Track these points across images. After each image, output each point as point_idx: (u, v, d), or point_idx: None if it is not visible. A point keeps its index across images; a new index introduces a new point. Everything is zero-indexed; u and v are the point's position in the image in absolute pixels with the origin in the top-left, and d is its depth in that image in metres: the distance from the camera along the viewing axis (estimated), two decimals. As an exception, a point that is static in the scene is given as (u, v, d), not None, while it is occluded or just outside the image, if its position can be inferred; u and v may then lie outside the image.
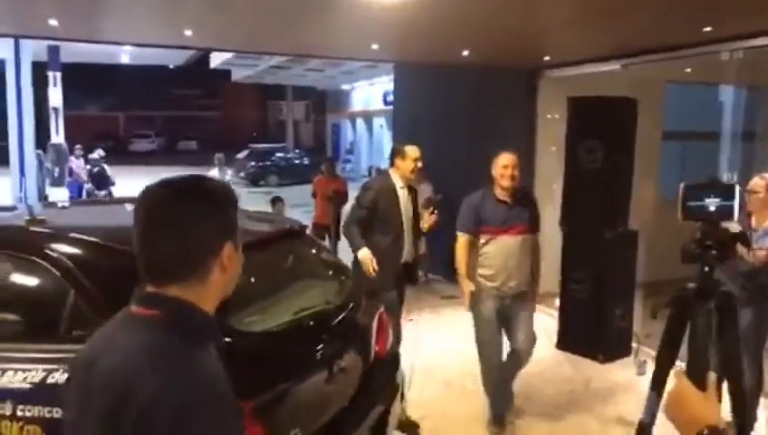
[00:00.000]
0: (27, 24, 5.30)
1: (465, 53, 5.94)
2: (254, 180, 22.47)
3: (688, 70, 7.14)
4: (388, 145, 14.82)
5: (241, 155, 24.22)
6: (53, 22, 4.77)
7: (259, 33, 5.28)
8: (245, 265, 2.91)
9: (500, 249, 3.84)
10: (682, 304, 1.75)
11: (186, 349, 1.08)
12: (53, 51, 12.07)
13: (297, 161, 24.09)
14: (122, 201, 4.82)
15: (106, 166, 12.44)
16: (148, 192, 1.14)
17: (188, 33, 5.02)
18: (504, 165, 3.81)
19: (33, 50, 11.62)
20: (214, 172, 10.32)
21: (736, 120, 8.66)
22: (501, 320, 3.92)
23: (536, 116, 7.08)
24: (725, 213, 1.82)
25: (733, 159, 7.55)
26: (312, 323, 2.73)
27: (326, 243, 7.61)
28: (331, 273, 3.39)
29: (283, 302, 2.81)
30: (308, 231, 3.72)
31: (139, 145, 38.45)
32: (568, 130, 5.68)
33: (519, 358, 3.94)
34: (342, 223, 7.15)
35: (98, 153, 12.59)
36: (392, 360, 3.35)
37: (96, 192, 11.98)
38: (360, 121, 27.23)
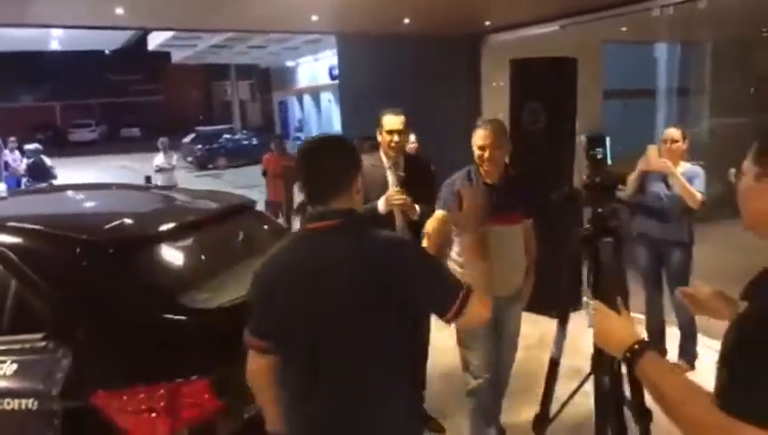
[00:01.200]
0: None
1: (406, 20, 5.93)
2: (203, 164, 22.05)
3: (624, 29, 7.31)
4: (337, 120, 14.74)
5: (187, 139, 23.65)
6: (-28, 5, 4.54)
7: (194, 9, 5.13)
8: (196, 243, 2.88)
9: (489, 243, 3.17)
10: (581, 243, 1.97)
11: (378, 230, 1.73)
12: (-23, 39, 11.46)
13: (245, 142, 23.69)
14: (63, 189, 4.68)
15: (45, 157, 11.97)
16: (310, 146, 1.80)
17: (120, 11, 4.84)
18: (479, 145, 2.95)
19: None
20: (159, 157, 10.03)
21: (671, 77, 8.95)
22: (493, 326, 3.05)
23: (480, 82, 7.15)
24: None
25: (669, 113, 7.82)
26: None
27: (280, 220, 7.59)
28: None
29: (236, 278, 2.79)
30: (261, 209, 3.68)
31: (78, 135, 37.09)
32: (511, 93, 5.75)
33: (501, 379, 3.30)
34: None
35: (35, 145, 12.08)
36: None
37: (36, 185, 11.53)
38: (307, 98, 26.94)
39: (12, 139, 12.82)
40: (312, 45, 19.08)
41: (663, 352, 4.25)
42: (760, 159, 1.29)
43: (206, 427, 2.22)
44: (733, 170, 1.38)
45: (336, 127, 17.52)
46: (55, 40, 15.71)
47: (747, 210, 1.34)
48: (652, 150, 4.08)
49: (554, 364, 2.21)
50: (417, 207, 3.31)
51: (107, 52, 24.35)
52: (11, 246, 2.47)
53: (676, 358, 4.30)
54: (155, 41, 18.54)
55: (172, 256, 2.68)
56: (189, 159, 22.35)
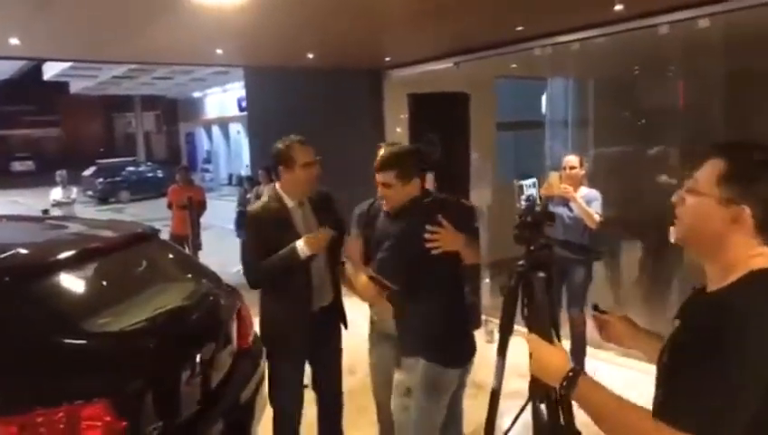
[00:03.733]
0: None
1: (310, 55, 6.17)
2: (104, 197, 21.27)
3: (514, 66, 7.90)
4: (246, 152, 14.65)
5: (87, 172, 22.72)
6: None
7: (94, 40, 5.11)
8: (98, 270, 2.90)
9: None
10: (515, 277, 2.03)
11: None
12: None
13: (150, 174, 23.07)
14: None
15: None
16: None
17: (15, 41, 4.76)
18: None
19: None
20: (57, 191, 9.62)
21: (558, 110, 9.70)
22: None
23: (383, 114, 7.49)
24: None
25: (556, 143, 8.45)
26: (168, 321, 2.79)
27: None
28: (186, 274, 3.44)
29: (138, 304, 2.84)
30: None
31: (-38, 169, 34.60)
32: (409, 125, 6.07)
33: None
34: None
35: None
36: (255, 351, 3.46)
37: None
38: (215, 129, 26.58)
39: None
40: (220, 77, 18.99)
41: None
42: (725, 182, 1.28)
43: (109, 448, 2.25)
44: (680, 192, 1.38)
45: (245, 159, 17.40)
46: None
47: (692, 227, 1.35)
48: (554, 177, 4.35)
49: (495, 395, 2.15)
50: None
51: (-3, 81, 23.05)
52: None
53: None
54: (51, 70, 17.81)
55: (72, 282, 2.70)
56: (90, 192, 21.47)
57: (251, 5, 4.00)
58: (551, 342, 1.60)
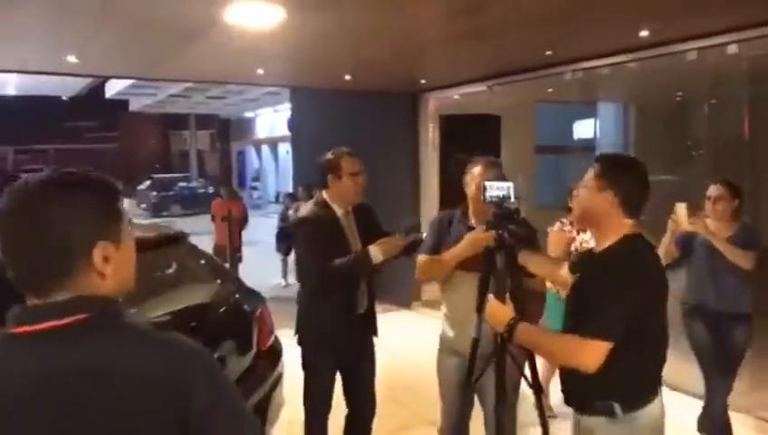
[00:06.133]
0: None
1: (348, 77, 6.40)
2: (157, 211, 22.08)
3: (550, 90, 7.98)
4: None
5: (142, 186, 23.71)
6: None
7: (143, 58, 5.48)
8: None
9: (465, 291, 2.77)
10: (487, 254, 2.55)
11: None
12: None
13: (201, 190, 23.83)
14: None
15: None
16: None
17: (72, 59, 5.15)
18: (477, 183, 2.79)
19: None
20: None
21: (601, 135, 9.68)
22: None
23: (419, 135, 7.66)
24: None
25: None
26: (187, 317, 2.98)
27: (226, 265, 7.74)
28: (211, 276, 3.65)
29: (161, 300, 3.05)
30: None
31: (29, 181, 36.48)
32: (440, 145, 6.23)
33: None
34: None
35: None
36: (273, 353, 3.63)
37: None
38: (265, 148, 27.30)
39: (-42, 182, 12.78)
40: (271, 97, 19.55)
41: None
42: (600, 177, 2.00)
43: None
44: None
45: (290, 176, 17.80)
46: (11, 85, 15.81)
47: (582, 209, 2.09)
48: (680, 209, 3.42)
49: (475, 343, 2.63)
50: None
51: (64, 98, 24.34)
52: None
53: None
54: (113, 89, 18.75)
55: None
56: (144, 205, 22.33)
57: (289, 28, 4.22)
58: (504, 302, 2.21)
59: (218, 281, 3.63)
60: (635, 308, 1.89)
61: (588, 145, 9.65)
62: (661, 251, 3.41)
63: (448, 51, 5.36)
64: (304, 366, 3.23)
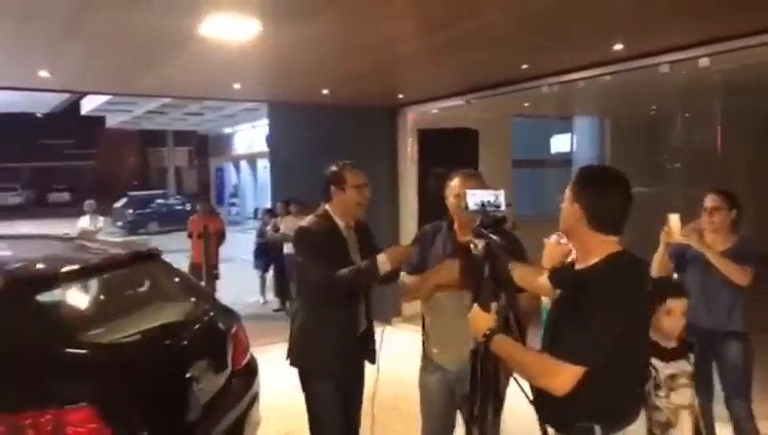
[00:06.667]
0: None
1: (325, 91, 6.39)
2: (134, 229, 21.79)
3: (526, 104, 8.04)
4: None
5: (119, 203, 23.38)
6: None
7: (117, 73, 5.41)
8: (100, 285, 3.03)
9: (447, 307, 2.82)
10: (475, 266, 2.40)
11: None
12: None
13: (179, 207, 23.57)
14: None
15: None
16: None
17: (44, 73, 5.06)
18: (455, 194, 2.81)
19: None
20: (84, 220, 9.94)
21: (577, 148, 9.79)
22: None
23: (397, 150, 7.65)
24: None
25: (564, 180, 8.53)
26: (160, 336, 2.91)
27: (202, 283, 7.60)
28: (185, 294, 3.57)
29: (134, 319, 2.98)
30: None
31: (1, 198, 35.95)
32: (418, 159, 6.23)
33: None
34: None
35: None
36: (249, 372, 3.55)
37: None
38: (244, 164, 27.17)
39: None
40: (249, 114, 19.50)
41: None
42: (573, 189, 1.93)
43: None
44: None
45: (269, 192, 17.72)
46: (-17, 101, 15.56)
47: (563, 222, 2.00)
48: (673, 220, 3.24)
49: (475, 354, 2.44)
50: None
51: (39, 115, 24.04)
52: None
53: None
54: (89, 105, 18.53)
55: (72, 294, 2.85)
56: (119, 223, 22.04)
57: (264, 41, 4.18)
58: (487, 311, 2.13)
59: (192, 299, 3.55)
60: (615, 334, 1.80)
61: (565, 159, 9.79)
62: (655, 265, 3.30)
63: (425, 64, 5.37)
64: (306, 391, 3.11)
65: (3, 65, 4.96)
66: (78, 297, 2.91)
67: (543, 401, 1.98)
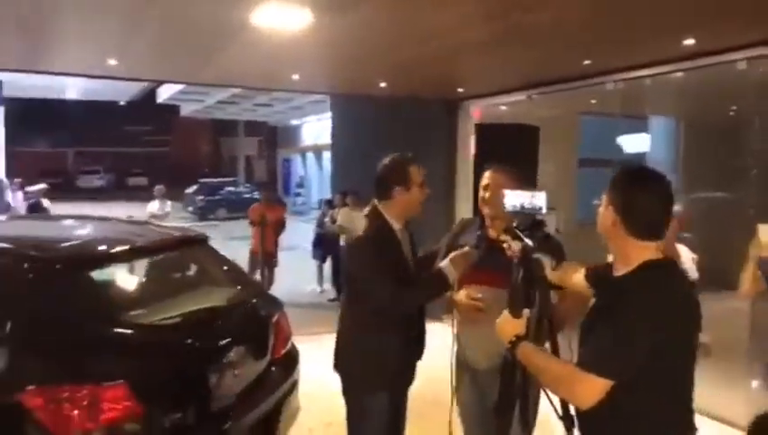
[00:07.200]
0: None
1: (383, 84, 6.36)
2: (203, 214, 22.51)
3: (593, 101, 7.74)
4: (334, 177, 15.24)
5: (190, 190, 24.24)
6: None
7: (177, 62, 5.57)
8: (145, 267, 3.12)
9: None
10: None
11: None
12: (-9, 85, 12.07)
13: (247, 195, 24.13)
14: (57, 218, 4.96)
15: (44, 199, 12.39)
16: None
17: (112, 62, 5.28)
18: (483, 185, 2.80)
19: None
20: (154, 204, 10.35)
21: (657, 148, 9.37)
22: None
23: (456, 144, 7.55)
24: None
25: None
26: (201, 320, 2.97)
27: (257, 271, 7.70)
28: (229, 280, 3.63)
29: (176, 302, 3.05)
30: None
31: (86, 181, 38.05)
32: (475, 154, 6.08)
33: None
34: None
35: (38, 187, 12.54)
36: (289, 360, 3.58)
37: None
38: (310, 156, 27.60)
39: (16, 180, 13.31)
40: (316, 106, 19.76)
41: None
42: (608, 192, 1.81)
43: (126, 428, 2.43)
44: None
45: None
46: (72, 89, 16.46)
47: (600, 226, 1.86)
48: (763, 231, 2.85)
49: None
50: None
51: (121, 103, 25.24)
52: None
53: None
54: (164, 94, 19.28)
55: (120, 274, 2.96)
56: (190, 208, 22.81)
57: (317, 30, 4.17)
58: (517, 317, 2.00)
59: (237, 286, 3.61)
60: (647, 348, 1.66)
61: (638, 160, 9.34)
62: (745, 283, 2.98)
63: (483, 56, 5.24)
64: (351, 404, 2.78)
65: (76, 53, 5.20)
66: (125, 278, 3.01)
67: (582, 419, 1.86)
